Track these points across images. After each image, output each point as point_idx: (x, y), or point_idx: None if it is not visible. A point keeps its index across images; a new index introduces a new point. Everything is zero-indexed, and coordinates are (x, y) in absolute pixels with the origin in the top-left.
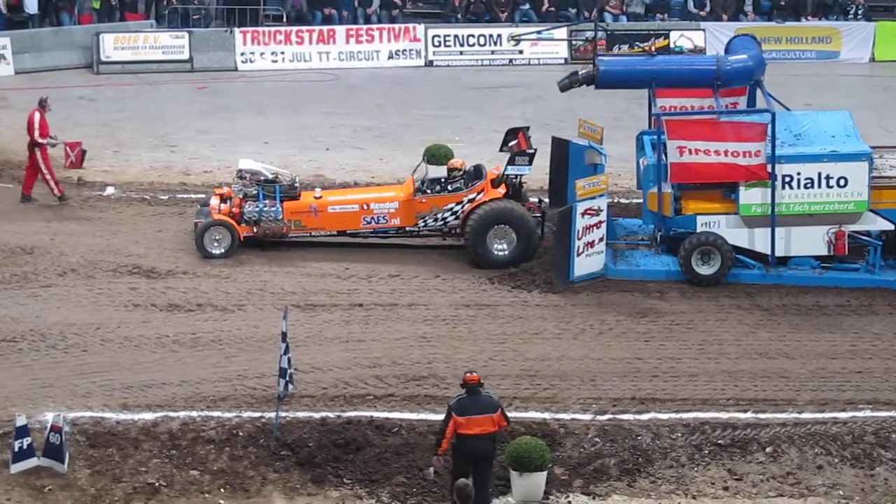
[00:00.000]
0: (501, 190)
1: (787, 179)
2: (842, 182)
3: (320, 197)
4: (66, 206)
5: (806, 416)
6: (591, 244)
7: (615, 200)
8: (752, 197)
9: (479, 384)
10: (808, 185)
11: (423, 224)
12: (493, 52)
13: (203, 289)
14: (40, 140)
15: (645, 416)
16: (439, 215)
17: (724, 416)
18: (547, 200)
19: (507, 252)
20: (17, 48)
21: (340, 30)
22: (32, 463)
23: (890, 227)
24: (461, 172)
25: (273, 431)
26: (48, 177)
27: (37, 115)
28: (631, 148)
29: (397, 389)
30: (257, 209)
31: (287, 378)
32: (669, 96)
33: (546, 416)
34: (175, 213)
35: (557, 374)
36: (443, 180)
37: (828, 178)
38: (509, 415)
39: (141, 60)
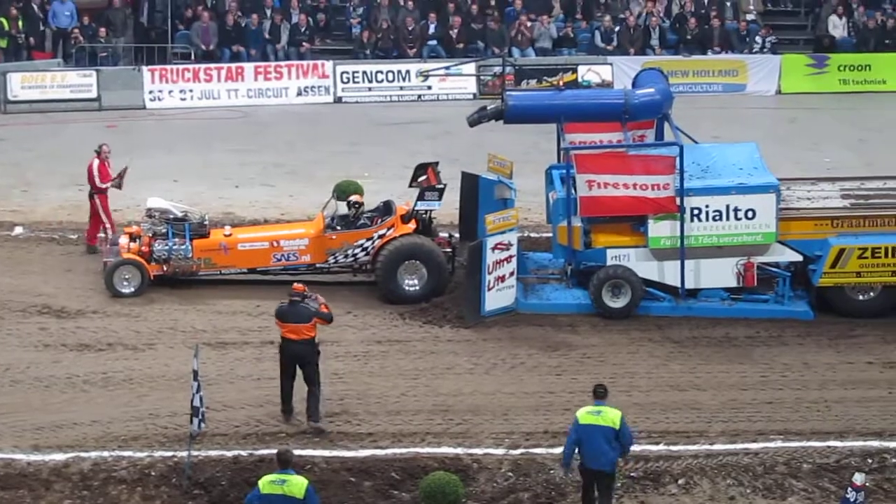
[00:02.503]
0: (412, 225)
1: (696, 212)
2: (750, 214)
3: (230, 235)
4: None
5: (718, 447)
6: (502, 278)
7: (525, 234)
8: (661, 230)
9: (302, 295)
10: (717, 218)
11: (333, 260)
12: (401, 88)
13: (113, 328)
14: (102, 185)
15: (557, 450)
16: (350, 251)
17: (636, 448)
18: (457, 235)
19: (417, 287)
20: None
21: (249, 67)
22: None
23: (798, 258)
24: (360, 207)
25: (185, 470)
26: (107, 224)
27: (95, 163)
28: (540, 182)
29: (310, 426)
30: (167, 248)
31: (199, 417)
32: (578, 131)
33: (459, 451)
34: (85, 253)
35: (470, 408)
36: (351, 217)
37: (736, 210)
38: (424, 450)
39: (49, 99)
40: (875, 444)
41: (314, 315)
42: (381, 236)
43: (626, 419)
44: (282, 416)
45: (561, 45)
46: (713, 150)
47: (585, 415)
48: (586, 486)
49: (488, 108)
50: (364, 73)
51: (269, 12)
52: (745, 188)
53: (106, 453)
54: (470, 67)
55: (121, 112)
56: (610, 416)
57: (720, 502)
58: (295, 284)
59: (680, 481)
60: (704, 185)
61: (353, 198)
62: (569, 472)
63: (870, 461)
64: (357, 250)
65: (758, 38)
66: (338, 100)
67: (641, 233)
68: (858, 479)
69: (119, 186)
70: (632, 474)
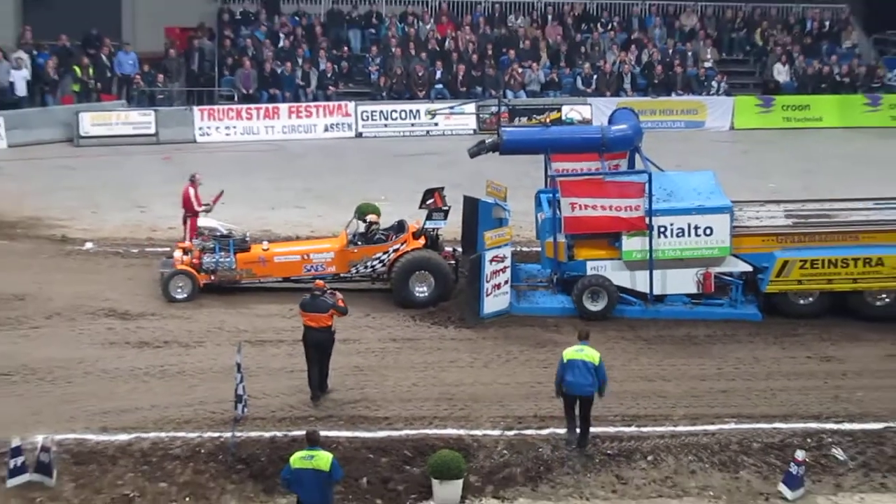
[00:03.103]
0: (421, 241)
1: (662, 229)
2: (708, 231)
3: (267, 249)
4: (52, 257)
5: (680, 428)
6: (498, 286)
7: (518, 249)
8: (633, 244)
9: (322, 290)
10: (680, 234)
11: (355, 271)
12: (412, 125)
13: (169, 328)
14: (199, 209)
15: (545, 431)
16: (369, 263)
17: (611, 430)
18: (460, 249)
19: (426, 294)
20: (9, 125)
21: (283, 107)
22: (25, 478)
23: (749, 268)
24: (374, 225)
25: (230, 448)
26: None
27: (191, 190)
28: (530, 204)
29: (335, 411)
30: (214, 260)
31: (242, 403)
32: (562, 160)
33: (461, 432)
34: (144, 265)
35: (471, 396)
36: (368, 234)
37: (696, 228)
38: (432, 431)
39: (114, 135)
40: (814, 425)
41: (331, 307)
42: (395, 250)
43: (603, 362)
44: (311, 403)
45: (548, 88)
46: (677, 177)
47: (570, 352)
48: (569, 409)
49: (486, 141)
50: (381, 112)
51: (300, 61)
52: (703, 209)
53: (163, 434)
54: (471, 107)
55: (175, 145)
56: (589, 353)
57: (683, 475)
58: (316, 281)
59: (649, 458)
60: (670, 206)
61: (369, 217)
62: (559, 397)
63: (809, 440)
64: (375, 262)
65: (714, 83)
66: (358, 135)
67: (616, 247)
68: (800, 455)
69: (209, 210)
70: (608, 452)
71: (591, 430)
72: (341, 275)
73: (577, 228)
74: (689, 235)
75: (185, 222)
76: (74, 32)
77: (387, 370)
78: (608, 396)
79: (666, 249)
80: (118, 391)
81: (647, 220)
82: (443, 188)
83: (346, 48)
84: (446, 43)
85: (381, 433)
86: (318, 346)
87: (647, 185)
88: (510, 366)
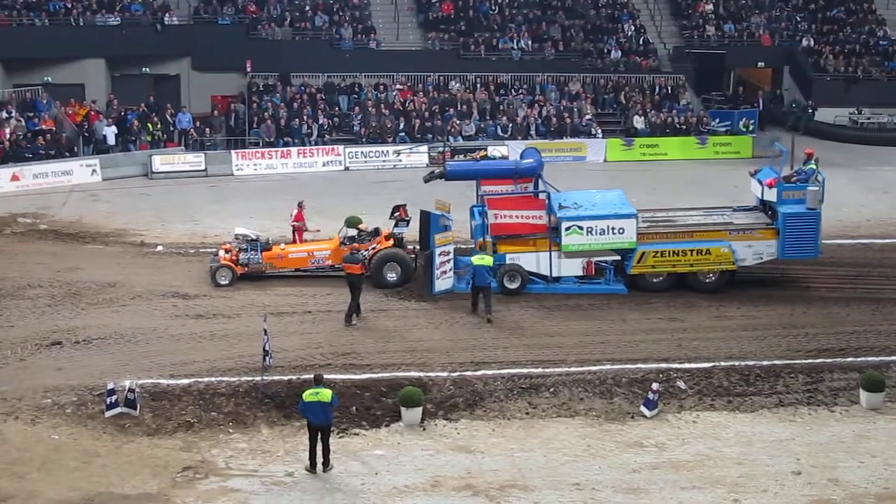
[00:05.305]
0: (391, 242)
1: (590, 229)
2: (621, 230)
3: (284, 249)
4: (134, 256)
5: (573, 369)
6: (445, 272)
7: (458, 246)
8: (570, 241)
9: (354, 252)
10: (602, 233)
11: None
12: (384, 161)
13: (216, 304)
14: (295, 224)
15: (479, 373)
16: None
17: (524, 370)
18: (419, 247)
19: (395, 279)
20: (103, 165)
21: (294, 150)
22: (118, 411)
23: (618, 257)
24: (365, 232)
25: (260, 388)
26: (298, 242)
27: (295, 211)
28: (467, 215)
29: (332, 360)
30: (247, 257)
31: (269, 356)
32: (489, 184)
33: (421, 374)
34: (198, 261)
35: (427, 348)
36: (356, 236)
37: (613, 228)
38: (400, 374)
39: (176, 171)
40: (664, 365)
41: (360, 261)
42: (373, 248)
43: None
44: (345, 321)
45: (477, 134)
46: (598, 194)
47: (475, 258)
48: (475, 295)
49: (435, 171)
50: (362, 152)
51: (305, 118)
52: (618, 216)
53: (213, 378)
54: (424, 148)
55: (219, 177)
56: (487, 259)
57: (574, 401)
58: (350, 246)
59: (551, 389)
60: (595, 213)
61: (361, 225)
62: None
63: (661, 376)
64: None
65: (592, 129)
66: (346, 168)
67: (529, 243)
68: (655, 385)
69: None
70: (522, 386)
71: (510, 371)
72: (336, 266)
73: (499, 231)
74: (609, 234)
75: (293, 232)
76: (149, 99)
77: (368, 331)
78: (520, 348)
79: (593, 243)
80: (181, 349)
81: (547, 224)
82: (406, 204)
83: (336, 108)
84: (406, 104)
85: (365, 375)
86: (354, 285)
87: (547, 201)
88: (454, 327)
